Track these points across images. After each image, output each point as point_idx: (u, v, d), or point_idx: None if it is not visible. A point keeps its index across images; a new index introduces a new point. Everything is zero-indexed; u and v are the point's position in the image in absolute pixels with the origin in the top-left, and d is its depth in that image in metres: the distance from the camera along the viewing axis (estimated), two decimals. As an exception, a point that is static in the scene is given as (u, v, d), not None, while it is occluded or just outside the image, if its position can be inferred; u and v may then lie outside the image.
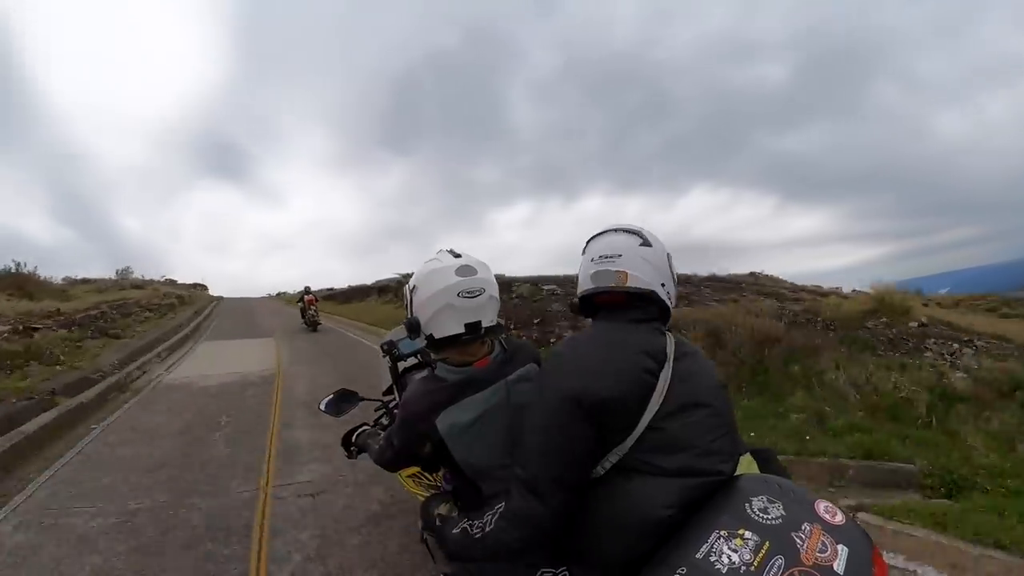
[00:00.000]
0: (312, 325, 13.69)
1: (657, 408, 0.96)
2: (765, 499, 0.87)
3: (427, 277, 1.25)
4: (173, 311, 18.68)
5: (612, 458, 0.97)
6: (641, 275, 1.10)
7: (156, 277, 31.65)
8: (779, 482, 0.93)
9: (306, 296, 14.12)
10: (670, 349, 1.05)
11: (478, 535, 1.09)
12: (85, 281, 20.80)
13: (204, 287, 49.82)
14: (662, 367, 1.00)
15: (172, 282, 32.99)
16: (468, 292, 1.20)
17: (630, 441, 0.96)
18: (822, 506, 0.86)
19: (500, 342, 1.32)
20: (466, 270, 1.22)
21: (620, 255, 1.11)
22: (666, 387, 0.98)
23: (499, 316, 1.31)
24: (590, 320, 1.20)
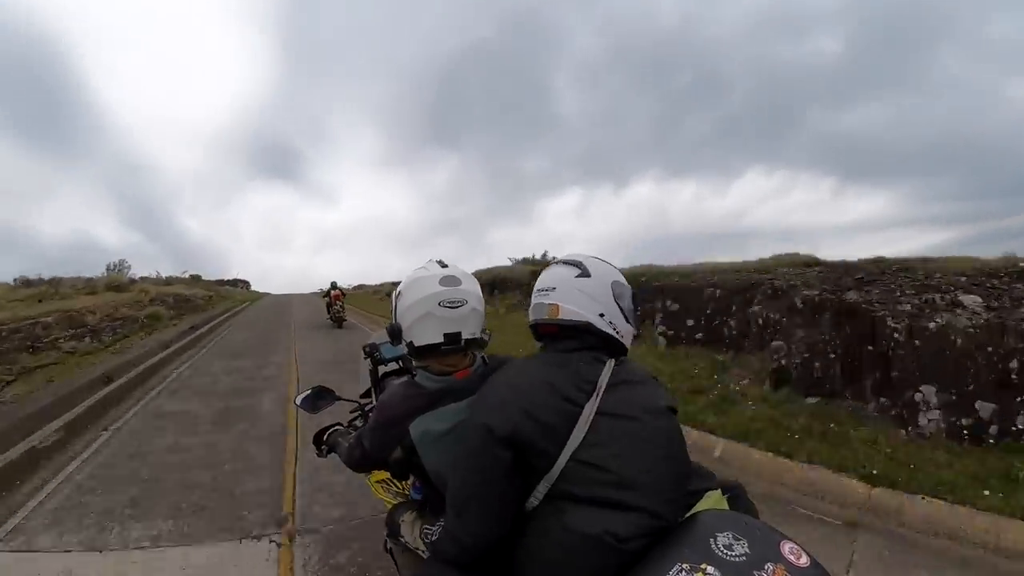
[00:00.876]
0: (337, 321, 13.56)
1: (582, 437, 0.94)
2: (730, 535, 0.85)
3: (411, 284, 1.25)
4: (149, 329, 11.50)
5: (543, 488, 0.96)
6: (575, 307, 1.10)
7: (178, 273, 25.43)
8: (746, 520, 0.91)
9: (332, 292, 13.86)
10: (603, 378, 1.01)
11: (430, 540, 1.23)
12: (42, 283, 14.08)
13: (245, 283, 44.13)
14: (589, 396, 0.98)
15: (195, 279, 26.58)
16: (450, 302, 1.20)
17: (556, 471, 0.94)
18: (787, 547, 0.84)
19: (483, 356, 1.32)
20: (450, 280, 1.23)
21: (555, 288, 1.13)
22: (591, 416, 0.96)
23: (484, 331, 1.30)
24: None
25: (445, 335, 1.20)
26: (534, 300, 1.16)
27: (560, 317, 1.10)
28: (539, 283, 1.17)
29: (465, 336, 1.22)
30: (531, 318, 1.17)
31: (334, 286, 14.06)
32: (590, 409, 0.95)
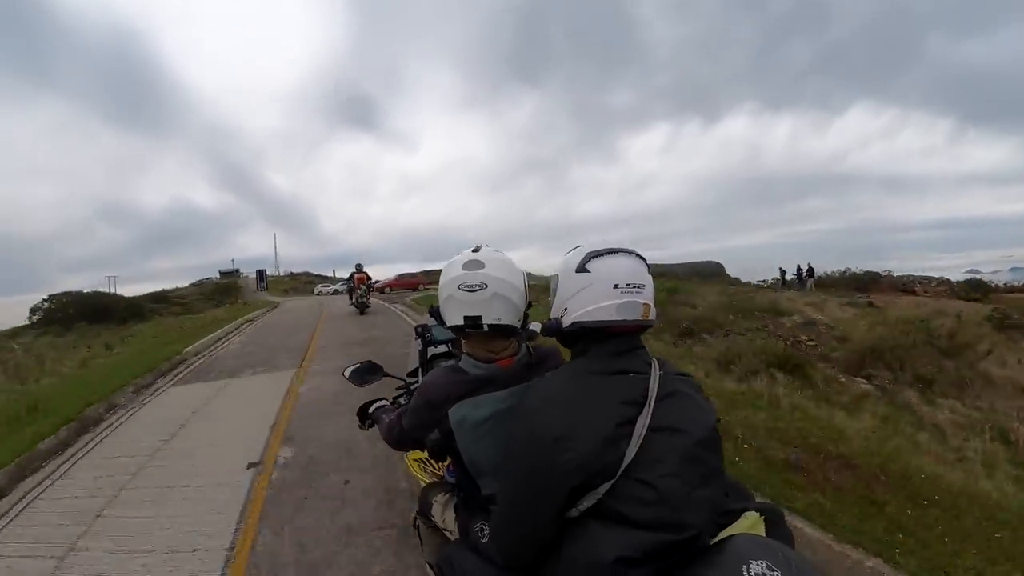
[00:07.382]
0: (360, 307, 13.18)
1: (633, 456, 0.94)
2: (764, 565, 0.82)
3: (445, 267, 1.31)
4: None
5: (586, 502, 0.96)
6: (654, 306, 1.09)
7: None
8: (783, 550, 0.86)
9: (356, 275, 13.59)
10: (653, 388, 1.01)
11: (484, 542, 1.24)
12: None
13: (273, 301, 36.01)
14: (640, 411, 0.97)
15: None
16: (467, 286, 1.23)
17: (604, 488, 0.94)
18: None
19: (527, 346, 1.36)
20: (472, 265, 1.25)
21: (644, 285, 1.07)
22: (643, 434, 0.95)
23: (520, 318, 1.30)
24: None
25: (464, 317, 1.22)
26: (622, 297, 1.05)
27: (649, 318, 1.06)
28: (621, 275, 1.06)
29: (487, 321, 1.22)
30: (614, 317, 1.05)
31: (359, 269, 13.69)
32: (642, 424, 0.95)
